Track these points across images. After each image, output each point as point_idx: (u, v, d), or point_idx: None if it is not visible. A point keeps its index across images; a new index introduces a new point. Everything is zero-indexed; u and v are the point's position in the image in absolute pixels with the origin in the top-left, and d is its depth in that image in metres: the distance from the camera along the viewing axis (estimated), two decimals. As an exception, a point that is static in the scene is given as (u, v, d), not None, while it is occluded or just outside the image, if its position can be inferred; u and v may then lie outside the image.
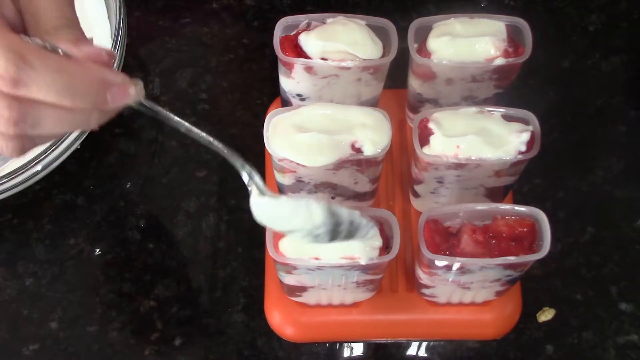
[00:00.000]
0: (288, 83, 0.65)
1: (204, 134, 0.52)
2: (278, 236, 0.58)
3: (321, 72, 0.63)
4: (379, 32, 0.63)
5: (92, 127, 0.48)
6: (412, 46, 0.63)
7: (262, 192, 0.53)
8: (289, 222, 0.53)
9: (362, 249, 0.57)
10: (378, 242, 0.58)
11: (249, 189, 0.53)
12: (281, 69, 0.64)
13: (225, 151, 0.52)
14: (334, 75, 0.63)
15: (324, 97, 0.65)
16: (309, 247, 0.57)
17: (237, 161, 0.53)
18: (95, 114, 0.47)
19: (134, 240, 0.71)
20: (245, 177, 0.53)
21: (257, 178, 0.53)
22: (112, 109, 0.48)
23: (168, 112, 0.50)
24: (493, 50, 0.62)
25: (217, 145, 0.52)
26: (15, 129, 0.45)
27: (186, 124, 0.51)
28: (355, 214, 0.54)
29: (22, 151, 0.48)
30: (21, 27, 0.49)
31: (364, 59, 0.62)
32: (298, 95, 0.66)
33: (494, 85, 0.65)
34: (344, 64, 0.61)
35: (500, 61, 0.62)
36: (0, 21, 0.45)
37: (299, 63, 0.62)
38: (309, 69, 0.62)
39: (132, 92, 0.48)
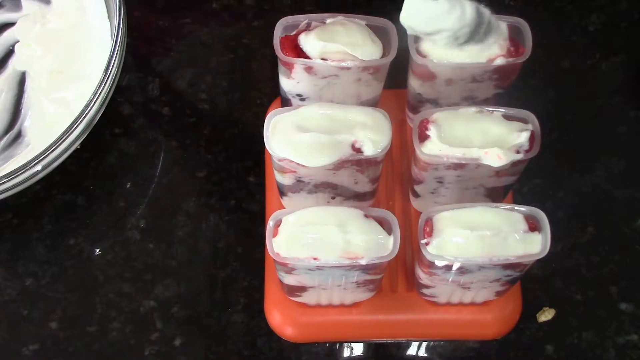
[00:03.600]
0: (288, 83, 0.65)
1: None
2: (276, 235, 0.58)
3: (321, 72, 0.63)
4: (379, 32, 0.63)
5: None
6: (412, 46, 0.63)
7: None
8: (440, 22, 0.55)
9: (364, 248, 0.57)
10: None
11: None
12: (281, 69, 0.64)
13: None
14: (334, 75, 0.63)
15: (324, 97, 0.65)
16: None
17: None
18: None
19: (134, 240, 0.71)
20: None
21: None
22: None
23: None
24: (493, 51, 0.62)
25: None
26: None
27: None
28: (493, 16, 0.57)
29: None
30: None
31: (364, 59, 0.62)
32: (298, 95, 0.66)
33: (494, 86, 0.65)
34: (344, 64, 0.61)
35: (500, 61, 0.62)
36: None
37: (299, 63, 0.62)
38: (308, 69, 0.62)
39: None
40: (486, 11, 0.59)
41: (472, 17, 0.58)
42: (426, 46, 0.62)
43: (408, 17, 0.58)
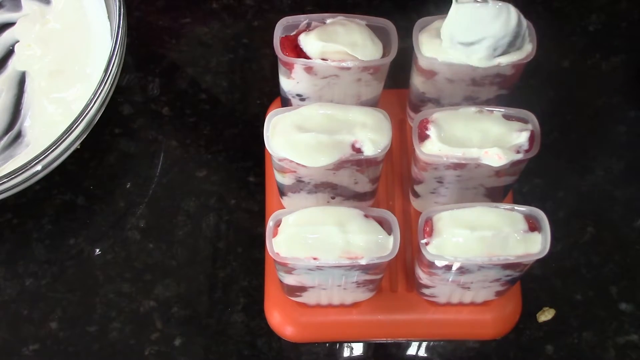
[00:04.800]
0: (288, 83, 0.65)
1: None
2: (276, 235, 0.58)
3: (321, 73, 0.63)
4: (379, 32, 0.63)
5: None
6: (417, 44, 0.63)
7: None
8: (484, 28, 0.54)
9: (363, 248, 0.57)
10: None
11: None
12: (281, 69, 0.64)
13: None
14: (334, 75, 0.63)
15: (324, 97, 0.65)
16: (305, 244, 0.57)
17: None
18: None
19: (134, 240, 0.71)
20: None
21: None
22: None
23: None
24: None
25: None
26: None
27: None
28: (530, 27, 0.57)
29: None
30: None
31: (364, 60, 0.61)
32: (298, 95, 0.66)
33: (497, 86, 0.65)
34: (344, 64, 0.61)
35: (504, 61, 0.62)
36: None
37: (299, 63, 0.62)
38: (308, 69, 0.62)
39: None
40: (524, 21, 0.58)
41: (514, 25, 0.58)
42: (430, 46, 0.62)
43: (452, 24, 0.57)
